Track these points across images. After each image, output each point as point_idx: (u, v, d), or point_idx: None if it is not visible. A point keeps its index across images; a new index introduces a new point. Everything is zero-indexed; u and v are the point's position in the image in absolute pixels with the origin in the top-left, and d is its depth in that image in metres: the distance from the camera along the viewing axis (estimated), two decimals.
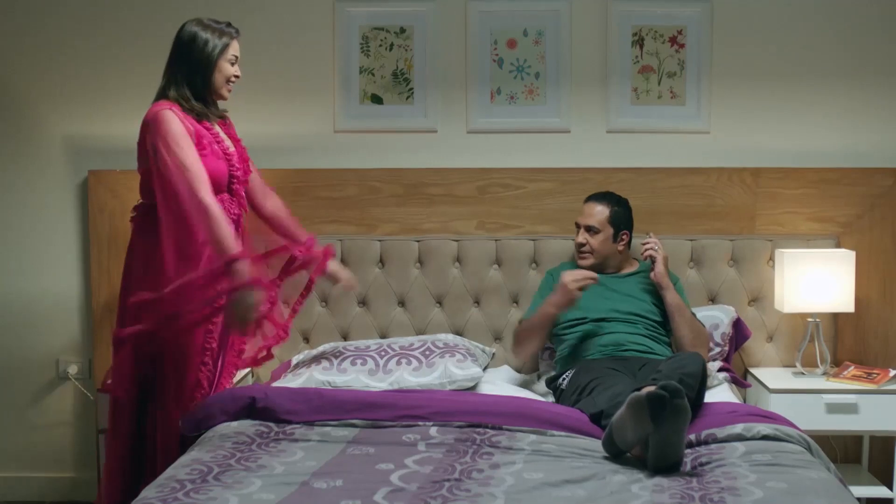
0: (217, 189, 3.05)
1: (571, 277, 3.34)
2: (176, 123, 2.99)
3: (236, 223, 3.12)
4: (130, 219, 3.17)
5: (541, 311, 3.42)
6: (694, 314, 3.51)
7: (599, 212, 3.52)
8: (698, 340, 3.42)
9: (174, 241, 2.95)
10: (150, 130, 3.00)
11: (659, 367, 2.91)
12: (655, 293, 3.49)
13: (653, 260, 3.49)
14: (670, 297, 3.45)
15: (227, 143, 3.17)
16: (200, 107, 3.10)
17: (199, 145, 3.03)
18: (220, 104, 3.22)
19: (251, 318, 2.94)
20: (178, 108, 3.04)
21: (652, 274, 3.48)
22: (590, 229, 3.51)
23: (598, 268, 3.54)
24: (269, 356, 3.36)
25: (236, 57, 3.15)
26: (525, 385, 3.58)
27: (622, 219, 3.54)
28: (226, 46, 3.12)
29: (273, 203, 3.38)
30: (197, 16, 3.83)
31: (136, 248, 3.11)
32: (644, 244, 3.53)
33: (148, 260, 3.03)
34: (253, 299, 2.91)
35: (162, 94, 3.11)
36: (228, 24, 3.17)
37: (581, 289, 3.32)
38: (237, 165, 3.15)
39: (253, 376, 3.80)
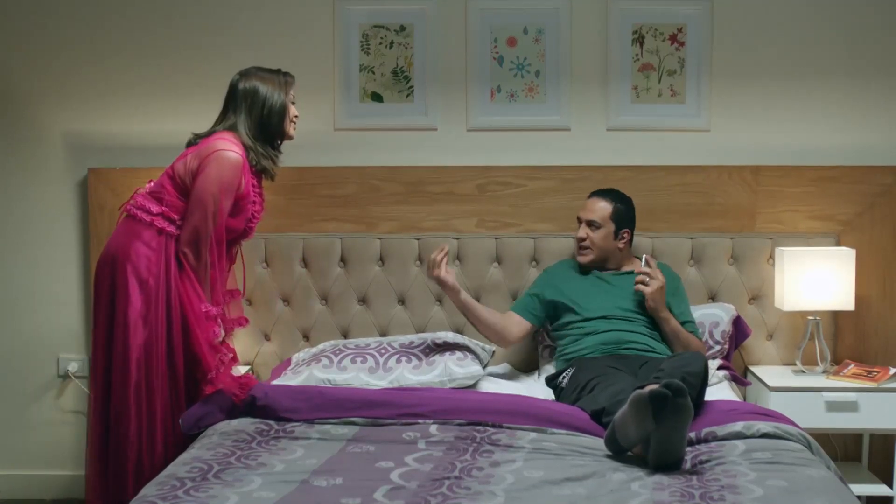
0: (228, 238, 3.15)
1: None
2: (237, 175, 3.05)
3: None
4: (131, 215, 3.09)
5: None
6: (695, 331, 3.48)
7: (602, 207, 3.52)
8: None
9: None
10: (215, 163, 3.02)
11: (661, 365, 2.91)
12: None
13: (643, 291, 3.40)
14: (666, 327, 3.41)
15: (259, 203, 3.23)
16: (270, 162, 3.16)
17: (242, 202, 3.10)
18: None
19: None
20: (243, 155, 3.09)
21: (647, 303, 3.41)
22: (591, 224, 3.51)
23: (597, 264, 3.54)
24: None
25: (294, 97, 3.22)
26: (525, 384, 3.57)
27: (624, 216, 3.54)
28: (289, 88, 3.19)
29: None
30: (196, 15, 3.86)
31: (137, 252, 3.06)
32: (637, 277, 3.43)
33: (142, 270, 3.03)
34: None
35: (233, 129, 3.13)
36: (282, 71, 3.23)
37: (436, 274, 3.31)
38: (251, 227, 3.21)
39: (253, 374, 3.79)
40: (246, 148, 3.11)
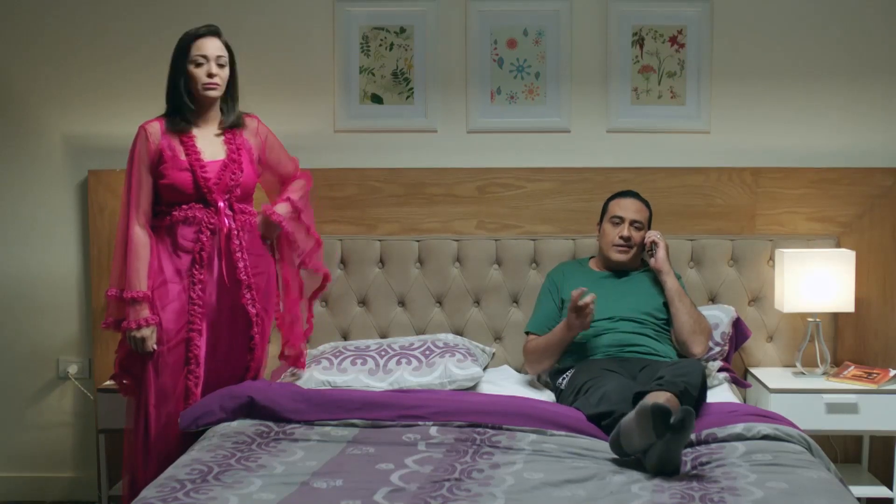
0: (184, 199, 3.12)
1: (580, 298, 3.24)
2: (140, 143, 3.13)
3: (214, 231, 3.14)
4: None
5: (557, 333, 3.37)
6: (694, 304, 3.51)
7: (643, 209, 3.54)
8: (698, 327, 3.41)
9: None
10: None
11: (660, 372, 2.90)
12: (662, 290, 3.48)
13: (655, 246, 3.49)
14: (670, 282, 3.45)
15: (209, 152, 3.16)
16: (178, 122, 3.14)
17: (161, 161, 3.12)
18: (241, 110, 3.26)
19: (141, 352, 3.11)
20: (162, 123, 3.15)
21: (652, 260, 3.48)
22: (634, 223, 3.51)
23: (626, 265, 3.54)
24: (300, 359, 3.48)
25: (204, 57, 3.12)
26: (525, 385, 3.57)
27: (651, 220, 3.58)
28: (186, 49, 3.13)
29: (280, 207, 3.33)
30: (197, 17, 3.85)
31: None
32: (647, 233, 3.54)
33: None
34: (140, 336, 3.09)
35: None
36: (204, 26, 3.17)
37: (586, 309, 3.25)
38: (208, 176, 3.12)
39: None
40: (166, 113, 3.18)
